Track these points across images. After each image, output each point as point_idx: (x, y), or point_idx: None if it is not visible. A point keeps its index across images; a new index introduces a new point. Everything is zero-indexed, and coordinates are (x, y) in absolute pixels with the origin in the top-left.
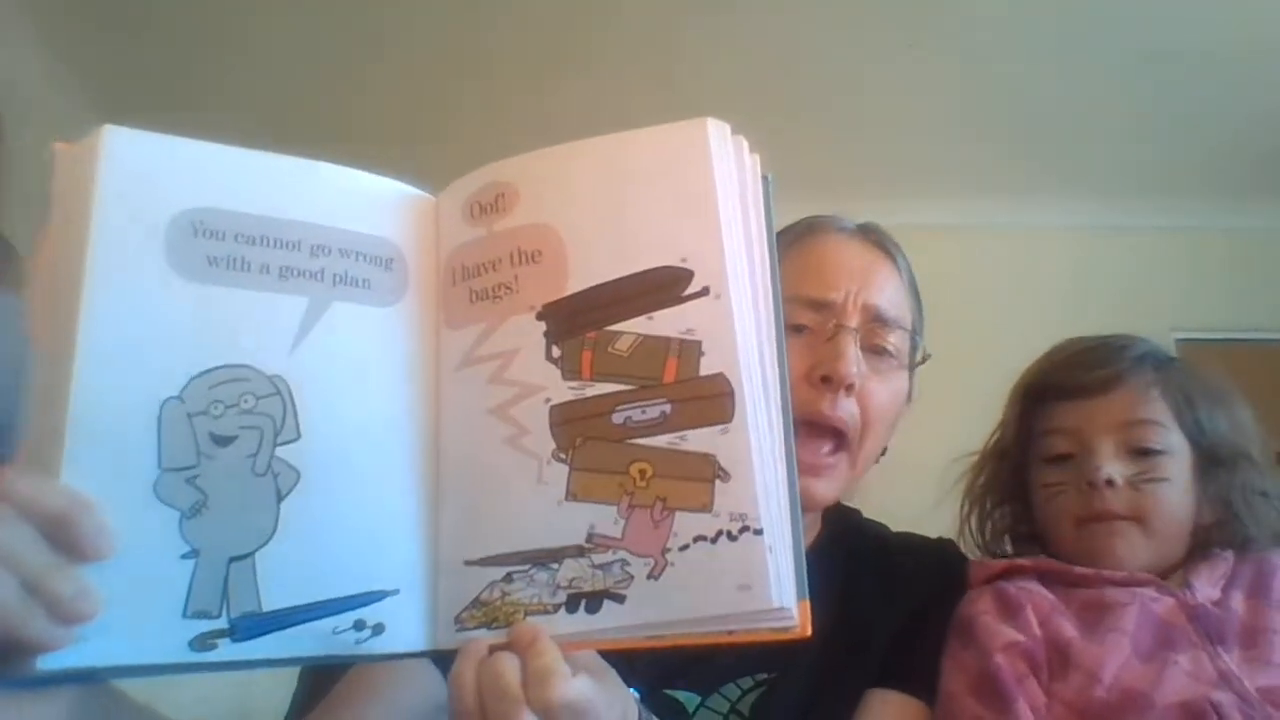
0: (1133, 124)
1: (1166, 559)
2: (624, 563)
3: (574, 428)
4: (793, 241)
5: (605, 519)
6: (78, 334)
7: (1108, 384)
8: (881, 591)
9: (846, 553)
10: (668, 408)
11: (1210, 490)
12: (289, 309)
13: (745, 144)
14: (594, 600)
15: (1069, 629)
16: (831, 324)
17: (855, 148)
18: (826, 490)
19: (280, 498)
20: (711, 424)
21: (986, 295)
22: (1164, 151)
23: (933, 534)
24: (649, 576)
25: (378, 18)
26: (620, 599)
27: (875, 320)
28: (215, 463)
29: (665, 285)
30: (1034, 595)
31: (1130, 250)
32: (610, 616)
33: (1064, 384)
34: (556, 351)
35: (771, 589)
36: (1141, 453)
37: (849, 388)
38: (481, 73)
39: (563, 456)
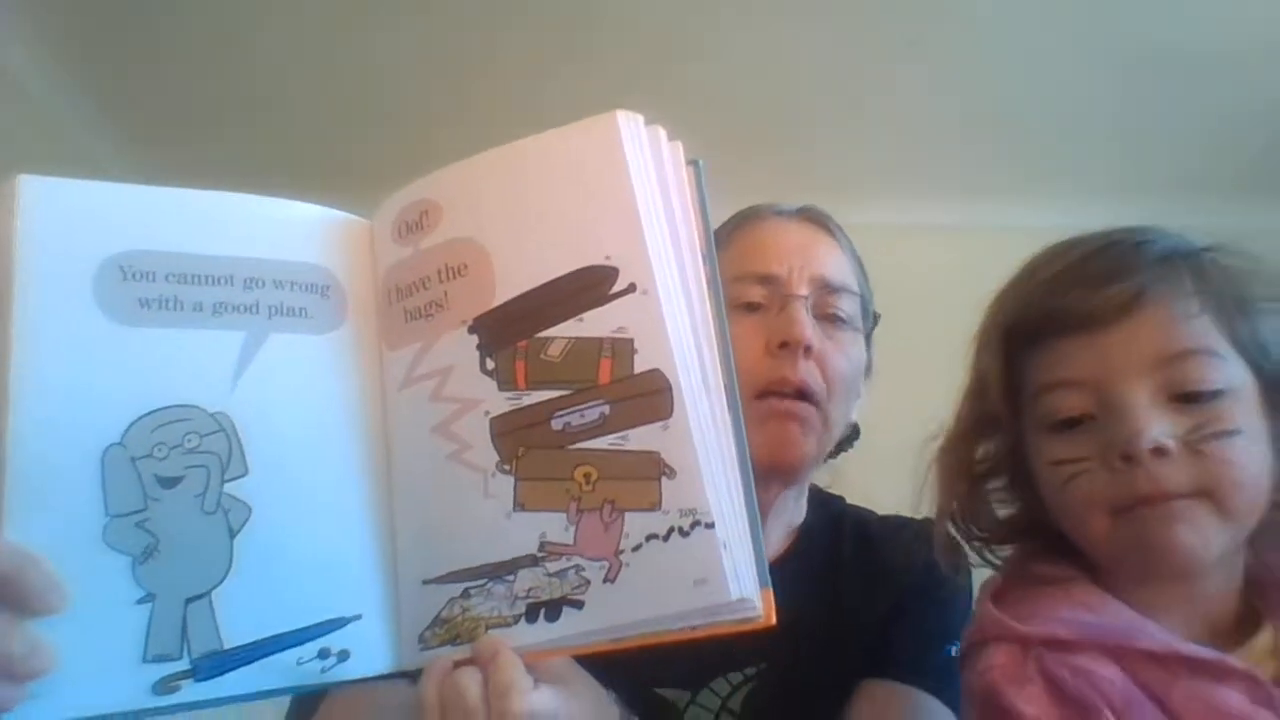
0: (1132, 124)
1: (1236, 552)
2: (579, 568)
3: (515, 438)
4: (733, 229)
5: (555, 526)
6: (11, 387)
7: (1130, 305)
8: (865, 577)
9: (830, 541)
10: (606, 409)
11: None
12: (227, 344)
13: (663, 133)
14: (552, 608)
15: None
16: (781, 295)
17: (855, 148)
18: (805, 439)
19: (233, 534)
20: (652, 421)
21: (987, 296)
22: (1164, 152)
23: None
24: (605, 580)
25: (379, 16)
26: (579, 605)
27: (823, 288)
28: (163, 505)
29: (591, 286)
30: (1102, 685)
31: None
32: (570, 623)
33: (1063, 312)
34: (490, 363)
35: (729, 582)
36: (1192, 398)
37: (807, 350)
38: (483, 64)
39: (506, 468)
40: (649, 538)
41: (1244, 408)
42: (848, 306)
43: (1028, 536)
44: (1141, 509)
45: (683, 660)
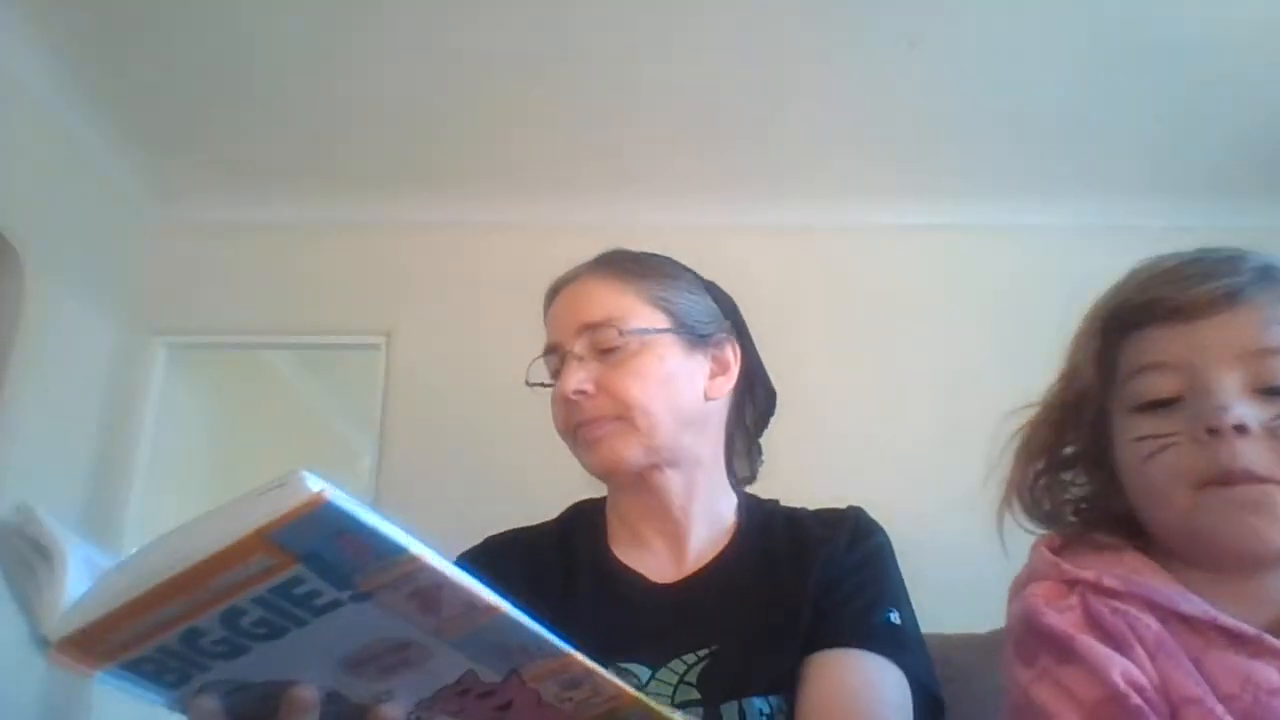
0: (1133, 124)
1: None
2: None
3: None
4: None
5: None
6: None
7: (1226, 300)
8: (797, 556)
9: (762, 533)
10: None
11: None
12: None
13: None
14: None
15: (1189, 685)
16: (562, 358)
17: (855, 148)
18: (620, 447)
19: None
20: None
21: (987, 295)
22: (1165, 151)
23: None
24: None
25: (377, 16)
26: None
27: (588, 332)
28: None
29: None
30: (1138, 626)
31: (1130, 250)
32: None
33: (1163, 302)
34: None
35: None
36: (1276, 392)
37: (578, 393)
38: (484, 65)
39: None
40: None
41: None
42: (610, 336)
43: (1090, 520)
44: (1224, 489)
45: (646, 639)
